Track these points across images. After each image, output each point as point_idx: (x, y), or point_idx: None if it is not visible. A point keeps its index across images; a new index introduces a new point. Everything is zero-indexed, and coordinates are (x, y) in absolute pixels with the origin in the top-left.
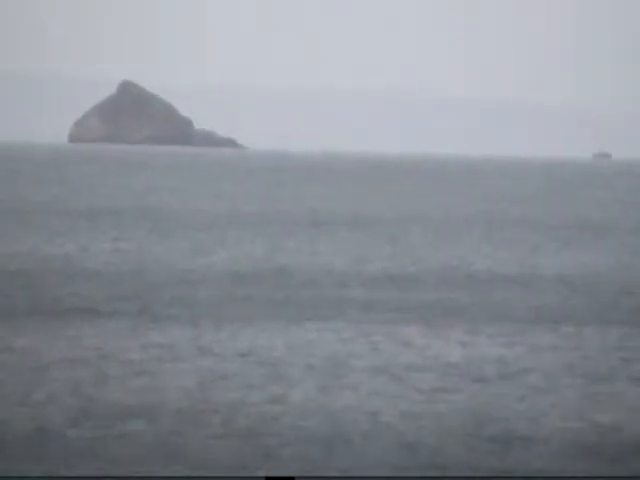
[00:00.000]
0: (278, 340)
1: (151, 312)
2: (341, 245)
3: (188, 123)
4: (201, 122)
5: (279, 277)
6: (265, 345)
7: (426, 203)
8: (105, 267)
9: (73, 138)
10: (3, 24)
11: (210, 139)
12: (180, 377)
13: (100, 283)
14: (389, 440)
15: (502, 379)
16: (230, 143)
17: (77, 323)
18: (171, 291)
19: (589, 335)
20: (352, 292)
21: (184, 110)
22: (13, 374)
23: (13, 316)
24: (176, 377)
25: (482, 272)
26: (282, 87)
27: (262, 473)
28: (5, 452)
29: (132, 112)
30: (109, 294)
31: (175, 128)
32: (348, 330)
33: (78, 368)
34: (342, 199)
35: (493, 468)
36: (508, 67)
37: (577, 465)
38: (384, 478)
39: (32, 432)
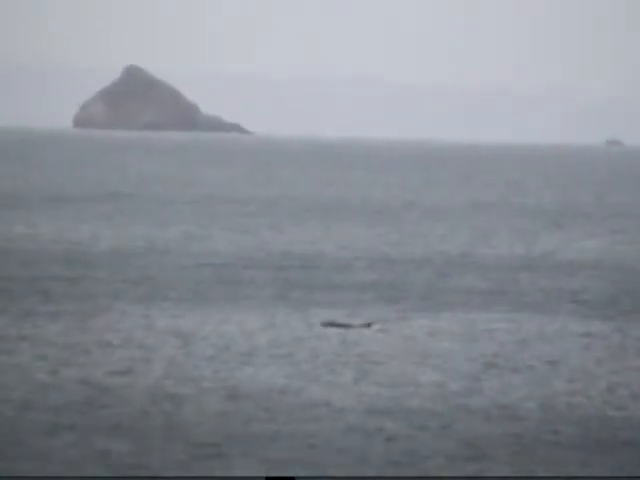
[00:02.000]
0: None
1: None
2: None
3: (194, 108)
4: (206, 108)
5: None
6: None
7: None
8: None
9: (78, 123)
10: (8, 15)
11: (216, 124)
12: None
13: (115, 266)
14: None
15: None
16: (236, 128)
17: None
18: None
19: None
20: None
21: (190, 95)
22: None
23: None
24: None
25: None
26: (283, 76)
27: (262, 473)
28: None
29: (137, 97)
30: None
31: (181, 113)
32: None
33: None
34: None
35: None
36: (492, 53)
37: None
38: (384, 478)
39: None
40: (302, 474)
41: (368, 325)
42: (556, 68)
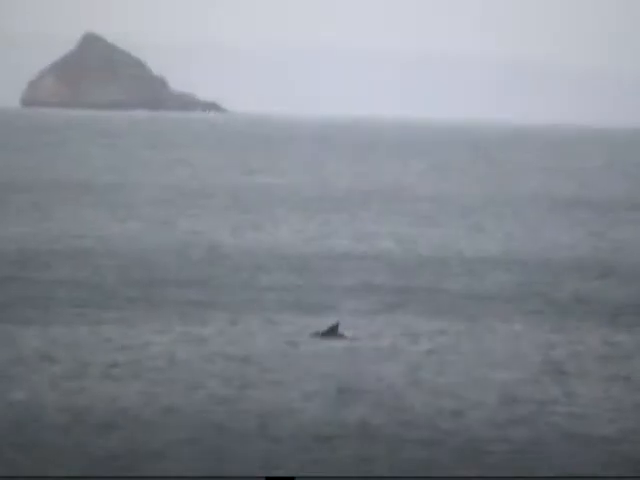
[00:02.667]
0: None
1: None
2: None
3: (162, 83)
4: (176, 83)
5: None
6: None
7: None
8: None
9: (26, 101)
10: None
11: (188, 102)
12: None
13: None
14: None
15: None
16: (212, 107)
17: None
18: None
19: None
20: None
21: (157, 68)
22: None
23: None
24: None
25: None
26: (250, 46)
27: (262, 473)
28: None
29: (96, 71)
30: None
31: (147, 89)
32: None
33: None
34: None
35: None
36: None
37: None
38: (384, 478)
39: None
40: (302, 474)
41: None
42: None
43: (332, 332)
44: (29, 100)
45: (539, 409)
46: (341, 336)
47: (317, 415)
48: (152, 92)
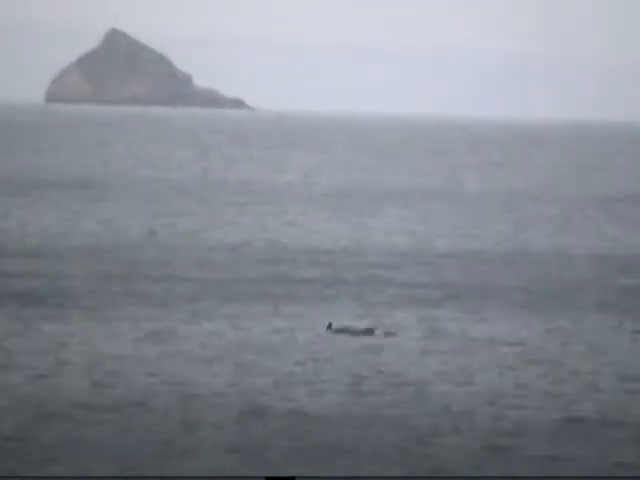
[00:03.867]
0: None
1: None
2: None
3: (187, 79)
4: (201, 79)
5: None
6: None
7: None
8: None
9: (50, 98)
10: None
11: (213, 99)
12: None
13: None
14: None
15: None
16: (237, 104)
17: None
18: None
19: None
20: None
21: (182, 64)
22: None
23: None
24: None
25: None
26: (282, 40)
27: (262, 473)
28: None
29: (120, 67)
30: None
31: (172, 86)
32: None
33: None
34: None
35: None
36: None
37: None
38: (384, 478)
39: None
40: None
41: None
42: None
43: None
44: (53, 96)
45: None
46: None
47: None
48: (177, 88)
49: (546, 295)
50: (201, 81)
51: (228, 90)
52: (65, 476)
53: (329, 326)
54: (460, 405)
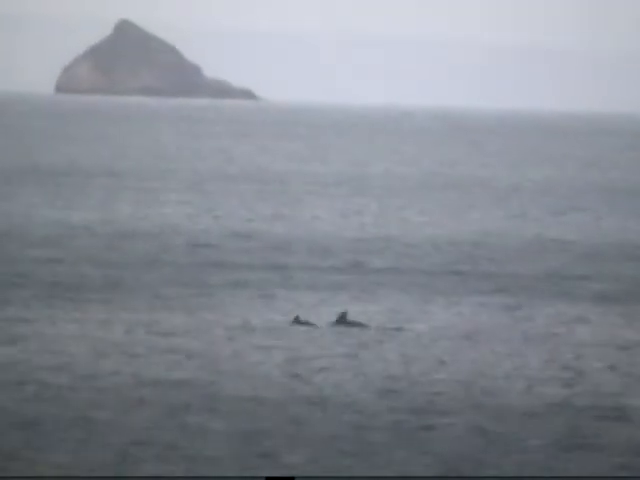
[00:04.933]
0: None
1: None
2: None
3: (196, 70)
4: (210, 70)
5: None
6: None
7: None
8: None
9: (60, 88)
10: None
11: (222, 90)
12: None
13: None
14: None
15: None
16: (246, 94)
17: None
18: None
19: None
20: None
21: (192, 55)
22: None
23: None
24: None
25: None
26: (302, 33)
27: (262, 473)
28: None
29: (130, 57)
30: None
31: (181, 76)
32: None
33: None
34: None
35: None
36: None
37: None
38: (384, 478)
39: None
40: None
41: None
42: None
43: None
44: (63, 86)
45: None
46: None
47: None
48: (186, 79)
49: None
50: (210, 72)
51: (237, 81)
52: (65, 476)
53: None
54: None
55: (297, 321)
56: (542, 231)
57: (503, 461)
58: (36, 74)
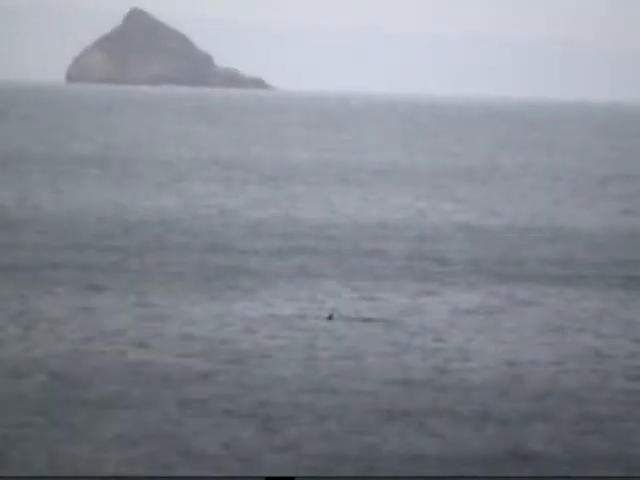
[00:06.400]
0: None
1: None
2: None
3: (207, 59)
4: (221, 59)
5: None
6: None
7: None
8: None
9: (71, 77)
10: None
11: (233, 79)
12: None
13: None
14: None
15: None
16: (257, 84)
17: None
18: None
19: None
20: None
21: (202, 45)
22: None
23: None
24: None
25: None
26: (312, 25)
27: (262, 473)
28: None
29: (140, 46)
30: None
31: (191, 65)
32: None
33: None
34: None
35: None
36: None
37: None
38: (384, 478)
39: None
40: (302, 474)
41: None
42: None
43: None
44: (74, 75)
45: None
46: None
47: None
48: (197, 68)
49: None
50: (221, 62)
51: (248, 70)
52: (65, 476)
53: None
54: None
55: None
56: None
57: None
58: (44, 63)
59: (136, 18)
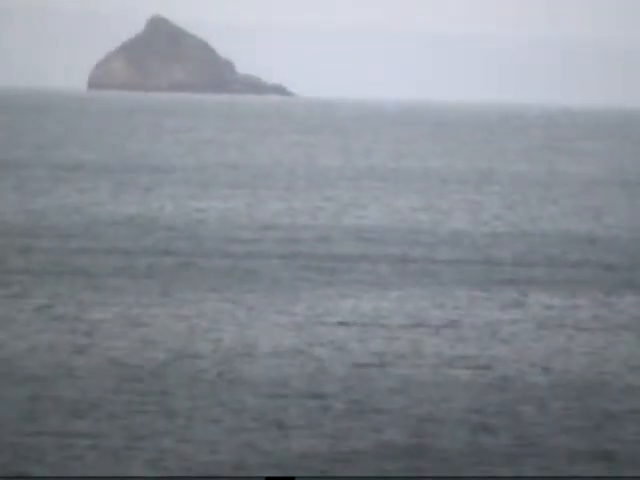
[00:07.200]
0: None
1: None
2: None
3: (229, 66)
4: (242, 66)
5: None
6: None
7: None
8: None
9: (93, 84)
10: None
11: (255, 85)
12: None
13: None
14: None
15: None
16: (278, 90)
17: None
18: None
19: None
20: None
21: (224, 51)
22: None
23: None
24: None
25: None
26: (336, 28)
27: (262, 473)
28: None
29: (163, 53)
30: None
31: (213, 72)
32: None
33: None
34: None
35: None
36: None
37: None
38: (384, 478)
39: None
40: (302, 475)
41: None
42: None
43: None
44: (96, 82)
45: None
46: None
47: None
48: (218, 74)
49: None
50: (242, 68)
51: (269, 77)
52: (65, 476)
53: None
54: None
55: None
56: None
57: None
58: (64, 71)
59: (158, 25)
